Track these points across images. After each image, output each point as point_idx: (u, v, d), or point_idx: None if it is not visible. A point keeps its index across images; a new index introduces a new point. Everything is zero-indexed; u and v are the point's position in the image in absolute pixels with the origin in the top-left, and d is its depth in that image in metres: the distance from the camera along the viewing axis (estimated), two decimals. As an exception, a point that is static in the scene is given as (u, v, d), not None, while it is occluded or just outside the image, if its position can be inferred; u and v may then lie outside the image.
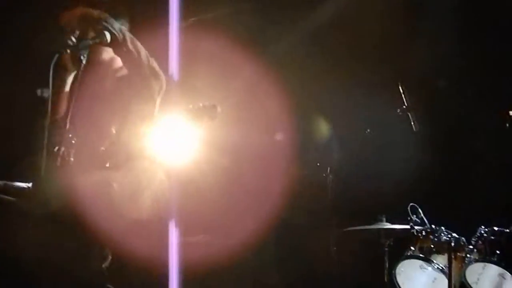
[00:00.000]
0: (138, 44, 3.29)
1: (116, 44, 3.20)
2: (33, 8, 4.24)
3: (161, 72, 3.37)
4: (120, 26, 3.24)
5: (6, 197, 3.23)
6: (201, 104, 3.34)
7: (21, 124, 3.44)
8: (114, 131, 3.28)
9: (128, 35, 3.26)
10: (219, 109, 3.35)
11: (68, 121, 3.11)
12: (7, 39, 4.24)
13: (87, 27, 3.25)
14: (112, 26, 3.19)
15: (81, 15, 3.28)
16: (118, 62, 3.38)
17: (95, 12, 3.30)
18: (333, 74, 5.35)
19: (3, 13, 4.26)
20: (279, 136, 5.61)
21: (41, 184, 3.05)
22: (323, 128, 5.61)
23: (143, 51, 3.29)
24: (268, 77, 5.27)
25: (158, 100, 3.40)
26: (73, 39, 3.16)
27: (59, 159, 3.11)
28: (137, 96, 3.32)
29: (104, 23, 3.18)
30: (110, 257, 3.25)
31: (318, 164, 5.20)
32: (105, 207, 3.12)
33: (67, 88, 3.27)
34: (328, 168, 5.12)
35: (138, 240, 3.55)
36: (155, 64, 3.35)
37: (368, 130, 5.05)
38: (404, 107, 4.86)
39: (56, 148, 3.12)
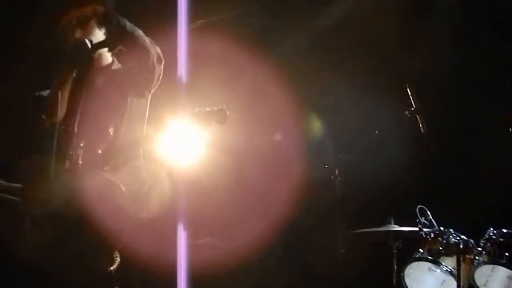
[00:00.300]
0: (140, 31, 3.28)
1: (124, 38, 3.20)
2: (34, 8, 4.24)
3: (162, 56, 3.37)
4: (117, 18, 3.23)
5: (11, 197, 3.24)
6: (208, 108, 3.29)
7: (24, 126, 3.43)
8: (111, 132, 3.25)
9: (129, 25, 3.25)
10: (227, 112, 3.29)
11: (76, 124, 3.11)
12: (9, 39, 4.25)
13: (86, 27, 3.26)
14: (110, 22, 3.19)
15: (79, 16, 3.28)
16: (108, 56, 3.37)
17: (90, 11, 3.29)
18: (339, 75, 5.35)
19: (6, 14, 4.27)
20: (286, 138, 5.61)
21: (49, 186, 3.05)
22: (330, 130, 5.60)
23: (146, 38, 3.29)
24: (275, 78, 5.28)
25: (153, 90, 3.39)
26: (87, 43, 3.16)
27: (67, 161, 3.11)
28: (134, 87, 3.30)
29: (104, 20, 3.18)
30: (118, 259, 3.25)
31: (326, 166, 5.19)
32: (114, 209, 3.12)
33: (68, 89, 3.25)
34: (336, 170, 5.11)
35: (146, 242, 3.56)
36: (158, 49, 3.34)
37: (376, 132, 5.04)
38: (412, 109, 4.84)
39: (65, 150, 3.12)
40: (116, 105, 3.29)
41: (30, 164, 3.18)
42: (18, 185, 3.27)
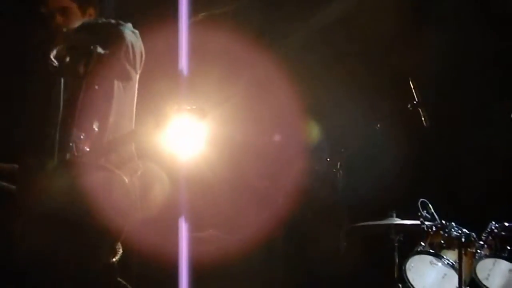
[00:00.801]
0: (104, 20, 3.25)
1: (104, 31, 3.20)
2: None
3: (137, 33, 3.32)
4: (101, 22, 3.23)
5: (6, 184, 3.23)
6: (188, 107, 3.25)
7: (26, 119, 3.44)
8: (95, 128, 3.20)
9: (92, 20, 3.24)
10: (205, 110, 3.26)
11: (76, 115, 3.11)
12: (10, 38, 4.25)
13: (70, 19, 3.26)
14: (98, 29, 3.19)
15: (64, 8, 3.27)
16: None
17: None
18: (342, 70, 5.36)
19: (8, 13, 4.27)
20: (288, 132, 5.61)
21: (49, 180, 3.06)
22: (331, 125, 5.60)
23: (112, 22, 3.25)
24: (278, 73, 5.28)
25: (139, 71, 3.36)
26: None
27: (68, 154, 3.11)
28: (120, 69, 3.25)
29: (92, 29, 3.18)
30: (120, 251, 3.26)
31: (328, 159, 5.19)
32: (116, 201, 3.12)
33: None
34: (338, 164, 5.11)
35: (148, 234, 3.57)
36: (130, 25, 3.28)
37: (378, 126, 5.04)
38: (415, 102, 4.84)
39: (66, 143, 3.12)
40: (103, 91, 3.24)
41: (32, 158, 3.19)
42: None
